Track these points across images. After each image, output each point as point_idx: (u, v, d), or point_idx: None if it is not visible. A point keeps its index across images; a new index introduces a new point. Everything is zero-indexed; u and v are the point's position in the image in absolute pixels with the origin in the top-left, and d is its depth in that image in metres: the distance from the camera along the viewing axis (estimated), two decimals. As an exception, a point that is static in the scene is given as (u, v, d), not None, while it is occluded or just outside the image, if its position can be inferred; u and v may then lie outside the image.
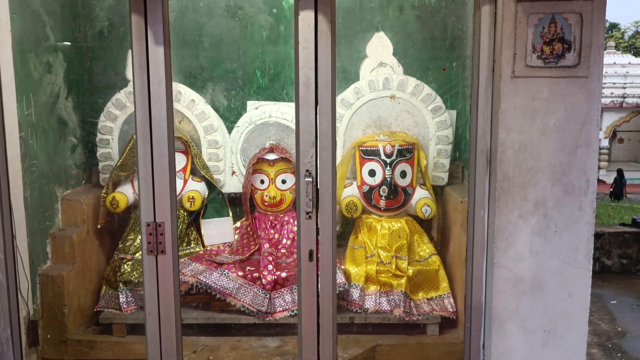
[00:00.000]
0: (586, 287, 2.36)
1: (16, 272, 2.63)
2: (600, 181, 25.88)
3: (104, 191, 3.44)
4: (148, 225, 2.40)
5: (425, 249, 3.45)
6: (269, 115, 3.64)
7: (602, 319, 6.89)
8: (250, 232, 3.51)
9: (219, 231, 3.57)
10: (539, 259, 2.34)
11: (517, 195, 2.31)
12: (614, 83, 24.90)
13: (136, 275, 3.32)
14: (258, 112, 3.64)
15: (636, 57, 28.38)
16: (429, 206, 3.38)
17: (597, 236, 9.30)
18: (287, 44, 3.63)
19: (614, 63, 25.75)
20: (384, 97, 3.47)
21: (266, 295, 3.23)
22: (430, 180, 3.50)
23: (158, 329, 2.49)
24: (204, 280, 3.22)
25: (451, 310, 3.27)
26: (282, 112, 3.64)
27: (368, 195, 3.44)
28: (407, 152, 3.41)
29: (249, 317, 3.23)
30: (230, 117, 3.69)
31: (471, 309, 2.48)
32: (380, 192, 3.42)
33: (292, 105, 3.49)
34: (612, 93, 24.78)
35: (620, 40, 35.97)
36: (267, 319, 3.21)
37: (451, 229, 3.44)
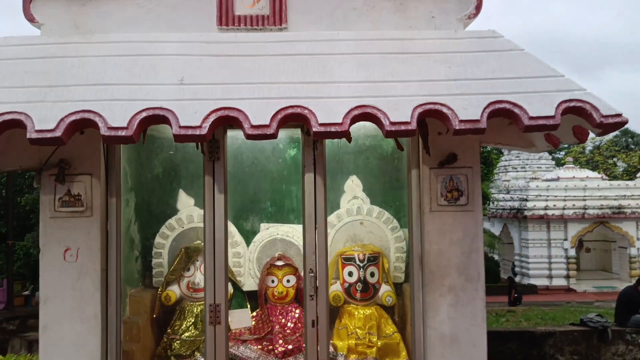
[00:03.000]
0: (483, 339, 3.94)
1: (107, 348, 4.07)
2: (571, 289, 27.53)
3: (159, 289, 4.98)
4: (210, 305, 3.95)
5: (389, 328, 4.98)
6: (276, 233, 5.29)
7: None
8: (264, 318, 5.03)
9: (241, 319, 5.07)
10: (453, 322, 3.93)
11: (438, 283, 3.95)
12: (575, 196, 27.29)
13: (184, 350, 4.77)
14: (268, 232, 5.30)
15: (593, 171, 31.22)
16: (390, 297, 4.96)
17: (550, 335, 10.88)
18: (288, 183, 5.36)
19: (573, 177, 28.41)
20: (357, 221, 5.18)
21: (278, 362, 4.70)
22: (391, 278, 5.11)
23: (212, 376, 3.96)
24: (233, 352, 4.68)
25: (409, 371, 4.75)
26: (286, 231, 5.30)
27: (348, 290, 5.02)
28: (374, 258, 5.05)
29: (265, 379, 4.66)
30: (248, 234, 5.32)
31: (415, 356, 4.02)
32: (357, 287, 5.00)
33: (294, 226, 5.20)
34: (573, 205, 27.10)
35: (580, 155, 39.61)
36: (279, 380, 4.65)
37: (407, 314, 5.00)
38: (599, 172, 31.66)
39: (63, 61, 3.42)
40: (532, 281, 27.16)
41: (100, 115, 3.10)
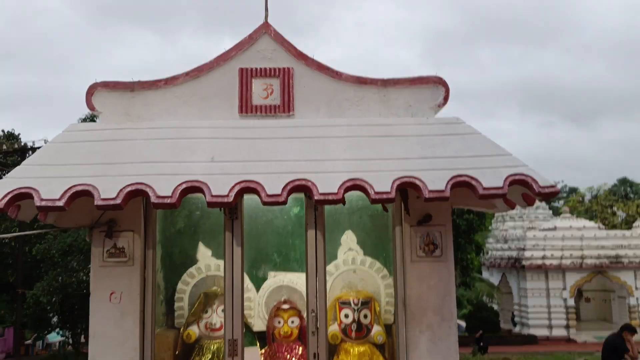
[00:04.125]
0: (456, 370, 4.81)
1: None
2: (571, 340, 27.96)
3: (181, 329, 5.86)
4: (229, 340, 4.85)
5: (380, 363, 5.84)
6: (282, 281, 6.21)
7: None
8: (272, 355, 5.89)
9: (252, 355, 5.92)
10: (431, 355, 4.81)
11: (418, 321, 4.85)
12: (572, 245, 28.05)
13: (202, 382, 5.62)
14: (275, 279, 6.22)
15: (590, 220, 32.10)
16: (382, 336, 5.84)
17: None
18: (292, 237, 6.31)
19: (570, 226, 29.26)
20: (352, 269, 6.10)
21: (284, 392, 5.54)
22: (382, 320, 6.00)
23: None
24: (245, 383, 5.52)
25: (397, 400, 5.58)
26: (290, 279, 6.22)
27: (344, 330, 5.90)
28: (367, 302, 5.95)
29: (273, 407, 5.49)
30: (257, 281, 6.24)
31: (399, 384, 4.88)
32: (352, 327, 5.88)
33: (297, 274, 6.13)
34: (571, 254, 27.85)
35: (579, 204, 40.66)
36: (285, 408, 5.48)
37: (395, 351, 5.85)
38: (596, 222, 32.54)
39: (118, 143, 4.45)
40: (532, 331, 27.63)
41: (150, 187, 4.09)
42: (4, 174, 26.18)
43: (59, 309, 18.57)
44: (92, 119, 19.99)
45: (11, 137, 26.46)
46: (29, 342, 23.63)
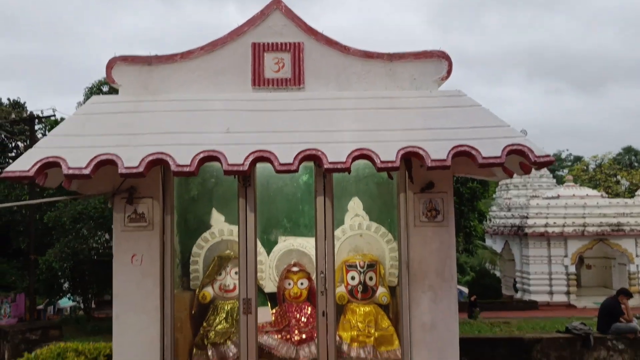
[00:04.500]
0: (456, 325, 5.17)
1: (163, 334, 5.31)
2: (571, 305, 28.54)
3: (197, 290, 6.22)
4: (244, 299, 5.21)
5: (385, 322, 6.21)
6: (291, 245, 6.55)
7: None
8: (282, 314, 6.27)
9: (263, 315, 6.30)
10: (432, 313, 5.17)
11: (420, 283, 5.19)
12: (575, 213, 28.39)
13: (217, 339, 6.00)
14: (285, 243, 6.56)
15: (593, 189, 32.37)
16: (386, 297, 6.20)
17: (537, 341, 12.08)
18: (301, 203, 6.63)
19: (573, 195, 29.53)
20: (358, 234, 6.43)
21: (294, 348, 5.93)
22: (387, 282, 6.35)
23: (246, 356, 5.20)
24: (258, 341, 5.91)
25: (400, 357, 5.97)
26: (299, 243, 6.56)
27: (351, 291, 6.26)
28: (372, 265, 6.29)
29: (284, 362, 5.90)
30: (269, 245, 6.58)
31: (402, 340, 5.25)
32: (358, 289, 6.24)
33: (306, 239, 6.47)
34: (573, 222, 28.20)
35: (583, 173, 40.87)
36: (295, 363, 5.88)
37: (399, 311, 6.22)
38: (599, 191, 32.80)
39: (139, 115, 4.74)
40: (533, 297, 28.18)
41: (170, 156, 4.39)
42: (12, 143, 26.54)
43: (69, 275, 19.09)
44: (98, 88, 20.20)
45: (17, 105, 26.69)
46: (40, 307, 24.26)
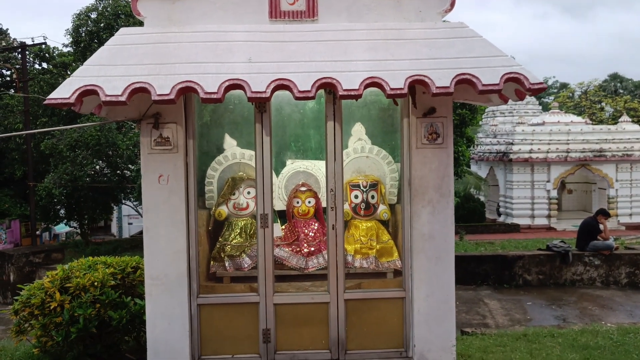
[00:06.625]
0: (452, 236, 5.84)
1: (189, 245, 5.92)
2: (551, 228, 29.86)
3: (213, 209, 6.81)
4: (261, 214, 5.81)
5: (385, 236, 6.90)
6: (299, 167, 7.11)
7: (517, 312, 10.78)
8: (292, 229, 6.91)
9: (274, 230, 6.93)
10: (431, 225, 5.81)
11: (420, 198, 5.81)
12: (559, 140, 29.23)
13: (233, 252, 6.65)
14: (293, 166, 7.12)
15: (578, 116, 33.09)
16: (386, 213, 6.85)
17: (519, 258, 13.05)
18: (308, 128, 7.13)
19: (558, 122, 30.28)
20: (362, 157, 7.00)
21: (304, 259, 6.61)
22: (387, 200, 6.99)
23: (264, 268, 5.86)
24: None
25: (399, 266, 6.69)
26: (307, 165, 7.12)
27: (354, 208, 6.89)
28: (374, 185, 6.90)
29: (295, 272, 6.58)
30: (278, 167, 7.13)
31: (404, 249, 5.93)
32: (361, 206, 6.87)
33: (313, 162, 7.03)
34: (557, 148, 29.09)
35: (568, 100, 41.48)
36: (305, 272, 6.57)
37: (398, 226, 6.89)
38: (584, 117, 33.57)
39: (166, 45, 5.14)
40: (515, 220, 29.45)
41: (199, 84, 4.84)
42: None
43: (66, 202, 19.65)
44: (86, 15, 20.02)
45: (0, 32, 26.30)
46: (37, 232, 24.94)
